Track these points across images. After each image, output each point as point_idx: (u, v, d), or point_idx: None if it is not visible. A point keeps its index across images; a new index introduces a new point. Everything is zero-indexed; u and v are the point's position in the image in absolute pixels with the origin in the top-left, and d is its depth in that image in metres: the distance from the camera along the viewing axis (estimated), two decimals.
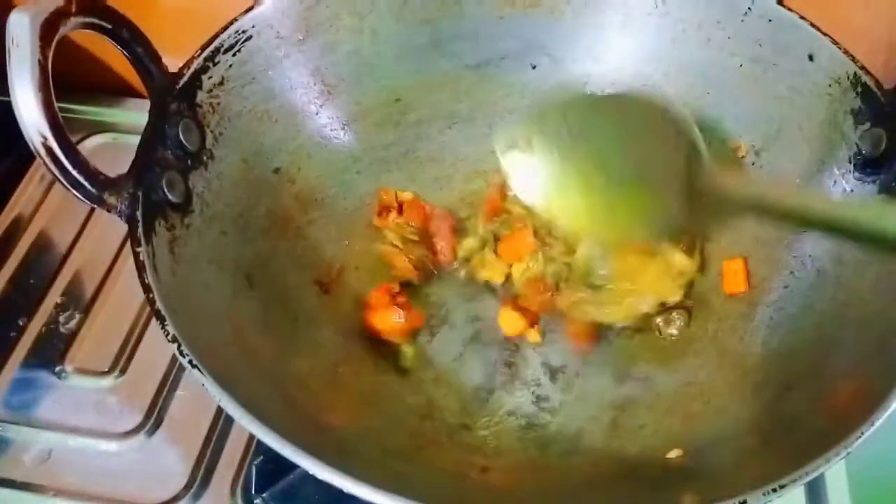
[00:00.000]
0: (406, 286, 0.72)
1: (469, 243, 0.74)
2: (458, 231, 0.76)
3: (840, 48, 0.65)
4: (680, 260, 0.70)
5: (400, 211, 0.75)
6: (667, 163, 0.61)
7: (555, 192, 0.63)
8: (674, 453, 0.60)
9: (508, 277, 0.73)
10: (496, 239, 0.74)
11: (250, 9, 0.66)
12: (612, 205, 0.63)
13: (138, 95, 0.94)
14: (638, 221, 0.63)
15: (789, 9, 0.68)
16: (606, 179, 0.63)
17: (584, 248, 0.70)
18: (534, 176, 0.63)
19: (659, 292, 0.70)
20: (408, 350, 0.69)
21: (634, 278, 0.69)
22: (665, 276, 0.69)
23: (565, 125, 0.63)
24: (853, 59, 0.65)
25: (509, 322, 0.71)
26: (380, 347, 0.69)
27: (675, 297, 0.70)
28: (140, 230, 0.53)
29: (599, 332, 0.71)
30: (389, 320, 0.69)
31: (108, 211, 0.53)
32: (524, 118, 0.66)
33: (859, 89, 0.64)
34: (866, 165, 0.64)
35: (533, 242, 0.72)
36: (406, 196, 0.76)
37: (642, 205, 0.63)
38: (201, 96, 0.62)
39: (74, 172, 0.50)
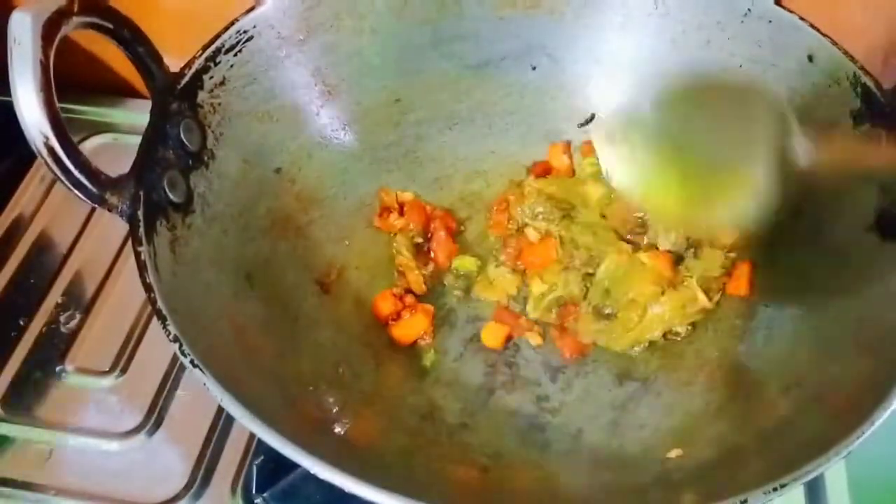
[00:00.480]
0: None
1: (467, 263, 0.75)
2: (457, 234, 0.76)
3: (839, 49, 0.65)
4: (701, 300, 0.70)
5: (401, 212, 0.75)
6: (761, 145, 0.61)
7: (653, 184, 0.64)
8: (674, 453, 0.60)
9: (519, 291, 0.74)
10: (506, 249, 0.75)
11: (251, 9, 0.66)
12: (708, 192, 0.63)
13: (139, 96, 0.94)
14: (733, 207, 0.63)
15: (789, 10, 0.68)
16: (701, 167, 0.63)
17: (604, 272, 0.71)
18: (632, 169, 0.64)
19: (667, 323, 0.69)
20: (430, 350, 0.70)
21: (646, 310, 0.69)
22: (677, 311, 0.69)
23: (660, 117, 0.63)
24: (852, 59, 0.65)
25: (494, 335, 0.71)
26: (380, 348, 0.69)
27: (681, 327, 0.70)
28: (141, 230, 0.53)
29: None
30: (414, 329, 0.70)
31: (110, 211, 0.53)
32: (621, 112, 0.67)
33: (859, 89, 0.64)
34: None
35: (557, 257, 0.72)
36: (406, 197, 0.76)
37: (738, 191, 0.62)
38: (202, 96, 0.62)
39: (76, 172, 0.50)
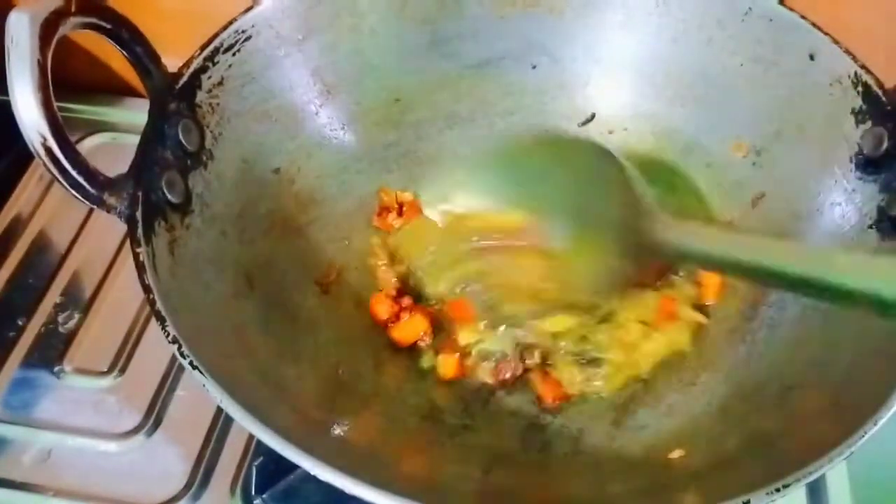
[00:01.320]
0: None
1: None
2: None
3: (841, 47, 0.65)
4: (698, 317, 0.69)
5: (400, 212, 0.74)
6: (613, 214, 0.63)
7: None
8: (676, 453, 0.60)
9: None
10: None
11: (250, 8, 0.66)
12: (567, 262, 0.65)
13: (137, 95, 0.94)
14: (588, 278, 0.66)
15: (790, 8, 0.68)
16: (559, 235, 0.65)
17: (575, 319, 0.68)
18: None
19: (659, 355, 0.68)
20: (429, 351, 0.69)
21: (636, 347, 0.68)
22: (669, 345, 0.68)
23: (513, 171, 0.66)
24: (854, 58, 0.64)
25: (448, 366, 0.68)
26: (379, 348, 0.69)
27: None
28: (140, 231, 0.53)
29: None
30: (413, 331, 0.69)
31: (108, 211, 0.53)
32: (474, 162, 0.69)
33: (860, 88, 0.64)
34: (867, 165, 0.64)
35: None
36: (406, 197, 0.76)
37: (592, 261, 0.65)
38: (201, 96, 0.62)
39: (74, 173, 0.50)
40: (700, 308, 0.70)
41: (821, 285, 0.51)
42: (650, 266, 0.67)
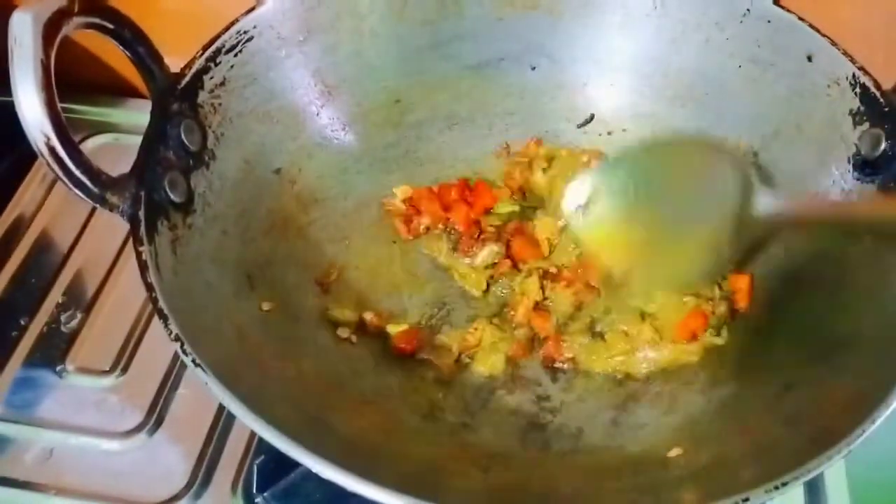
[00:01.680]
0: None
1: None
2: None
3: (839, 49, 0.66)
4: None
5: (417, 211, 0.75)
6: (721, 206, 0.64)
7: (619, 247, 0.67)
8: (674, 452, 0.60)
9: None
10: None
11: (252, 9, 0.66)
12: (671, 256, 0.66)
13: (140, 95, 0.94)
14: (695, 270, 0.67)
15: (788, 10, 0.68)
16: (666, 233, 0.66)
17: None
18: (599, 231, 0.66)
19: (659, 366, 0.69)
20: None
21: (635, 349, 0.69)
22: (674, 359, 0.69)
23: (630, 181, 0.65)
24: (852, 59, 0.65)
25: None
26: (380, 347, 0.69)
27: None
28: (142, 230, 0.53)
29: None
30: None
31: (111, 211, 0.53)
32: (590, 177, 0.67)
33: (858, 90, 0.64)
34: (865, 165, 0.64)
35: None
36: (407, 192, 0.75)
37: (699, 255, 0.66)
38: (203, 97, 0.63)
39: (77, 172, 0.51)
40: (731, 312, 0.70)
41: None
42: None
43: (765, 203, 0.63)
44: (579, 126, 0.79)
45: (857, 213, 0.62)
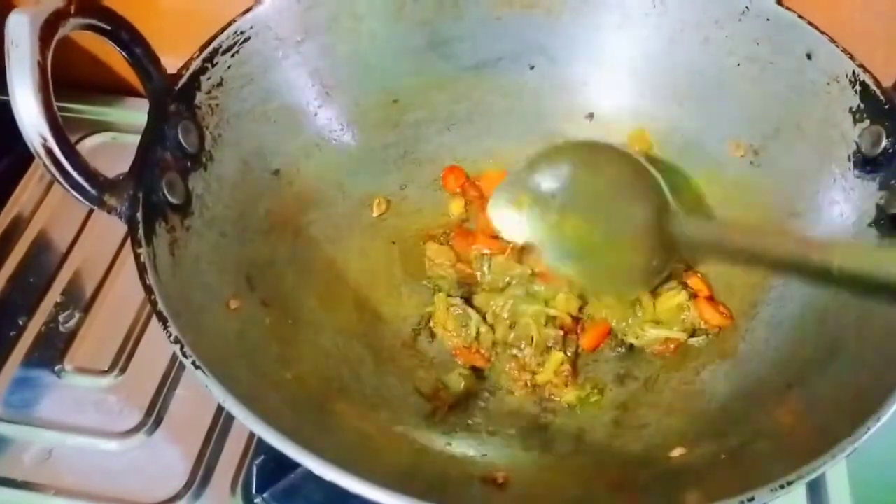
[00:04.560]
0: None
1: None
2: None
3: (838, 47, 0.65)
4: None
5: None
6: (642, 215, 0.68)
7: (548, 247, 0.70)
8: (676, 452, 0.60)
9: None
10: None
11: (249, 10, 0.66)
12: (600, 259, 0.69)
13: (138, 94, 0.93)
14: (624, 274, 0.70)
15: (787, 8, 0.68)
16: (595, 234, 0.69)
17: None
18: (527, 232, 0.70)
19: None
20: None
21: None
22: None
23: (554, 181, 0.70)
24: (851, 57, 0.65)
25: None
26: (380, 348, 0.69)
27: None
28: (141, 231, 0.53)
29: None
30: None
31: (109, 212, 0.53)
32: (514, 178, 0.72)
33: (858, 87, 0.64)
34: (865, 163, 0.64)
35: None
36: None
37: (627, 258, 0.69)
38: (200, 98, 0.62)
39: (74, 174, 0.51)
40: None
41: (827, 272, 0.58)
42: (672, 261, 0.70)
43: (681, 224, 0.66)
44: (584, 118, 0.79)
45: (769, 245, 0.64)
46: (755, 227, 0.70)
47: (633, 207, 0.68)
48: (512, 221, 0.71)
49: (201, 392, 0.48)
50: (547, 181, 0.70)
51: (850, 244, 0.63)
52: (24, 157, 0.86)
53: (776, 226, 0.69)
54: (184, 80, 0.61)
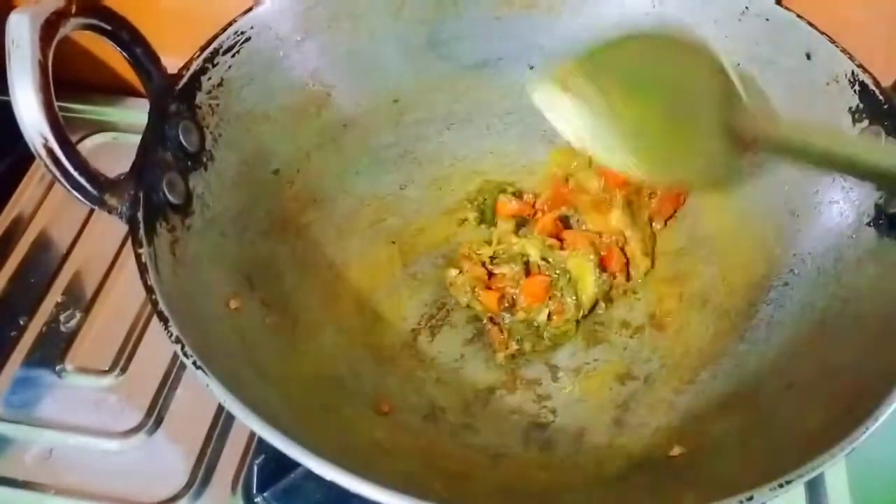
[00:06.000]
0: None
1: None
2: None
3: (838, 46, 0.65)
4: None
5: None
6: (707, 103, 0.62)
7: (602, 134, 0.62)
8: (676, 451, 0.60)
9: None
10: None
11: (249, 10, 0.66)
12: (660, 145, 0.62)
13: (138, 94, 0.93)
14: (685, 161, 0.63)
15: (787, 7, 0.68)
16: (652, 120, 0.62)
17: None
18: (579, 118, 0.62)
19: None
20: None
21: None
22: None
23: (607, 69, 0.62)
24: (851, 57, 0.65)
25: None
26: (380, 348, 0.69)
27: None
28: (141, 232, 0.53)
29: None
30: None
31: (109, 212, 0.53)
32: (566, 62, 0.64)
33: (857, 87, 0.64)
34: None
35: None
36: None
37: (688, 144, 0.62)
38: (200, 98, 0.62)
39: (75, 174, 0.50)
40: None
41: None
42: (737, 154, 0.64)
43: (750, 118, 0.61)
44: None
45: (853, 154, 0.58)
46: (828, 128, 0.66)
47: (698, 95, 0.63)
48: (561, 103, 0.64)
49: (202, 392, 0.48)
50: (603, 70, 0.63)
51: None
52: (24, 158, 0.86)
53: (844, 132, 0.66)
54: (184, 80, 0.61)
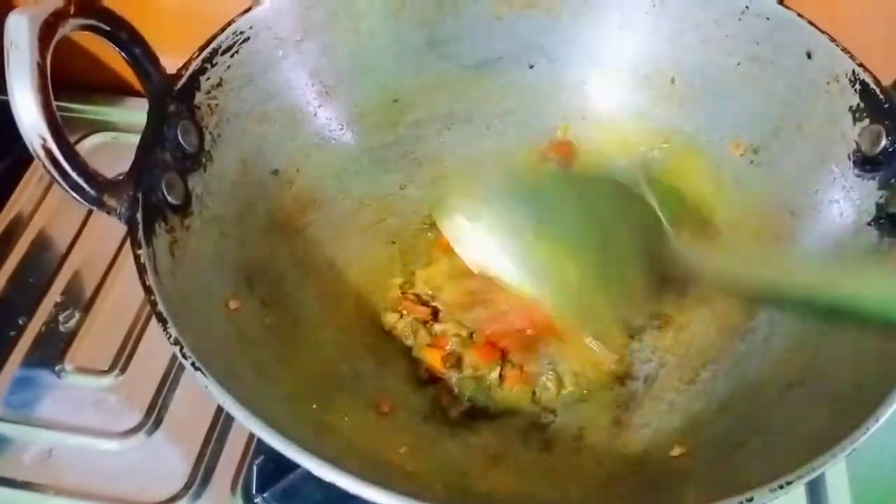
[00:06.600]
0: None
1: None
2: None
3: (838, 46, 0.65)
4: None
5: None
6: (631, 240, 0.65)
7: (515, 269, 0.64)
8: (677, 451, 0.60)
9: None
10: None
11: (248, 10, 0.66)
12: (581, 284, 0.64)
13: (137, 94, 0.93)
14: (608, 299, 0.66)
15: (787, 7, 0.68)
16: (575, 260, 0.64)
17: None
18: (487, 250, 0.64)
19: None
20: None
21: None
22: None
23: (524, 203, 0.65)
24: (851, 56, 0.65)
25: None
26: (380, 348, 0.69)
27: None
28: (140, 232, 0.53)
29: None
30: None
31: (108, 213, 0.53)
32: (483, 197, 0.66)
33: (857, 86, 0.64)
34: (865, 162, 0.64)
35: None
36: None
37: (611, 283, 0.65)
38: (199, 98, 0.62)
39: (73, 175, 0.50)
40: None
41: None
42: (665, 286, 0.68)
43: (678, 252, 0.64)
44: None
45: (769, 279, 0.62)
46: (759, 258, 0.68)
47: (621, 235, 0.65)
48: (475, 240, 0.65)
49: (201, 392, 0.48)
50: (522, 205, 0.65)
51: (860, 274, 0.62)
52: (23, 158, 0.86)
53: (773, 230, 0.69)
54: (183, 80, 0.61)
